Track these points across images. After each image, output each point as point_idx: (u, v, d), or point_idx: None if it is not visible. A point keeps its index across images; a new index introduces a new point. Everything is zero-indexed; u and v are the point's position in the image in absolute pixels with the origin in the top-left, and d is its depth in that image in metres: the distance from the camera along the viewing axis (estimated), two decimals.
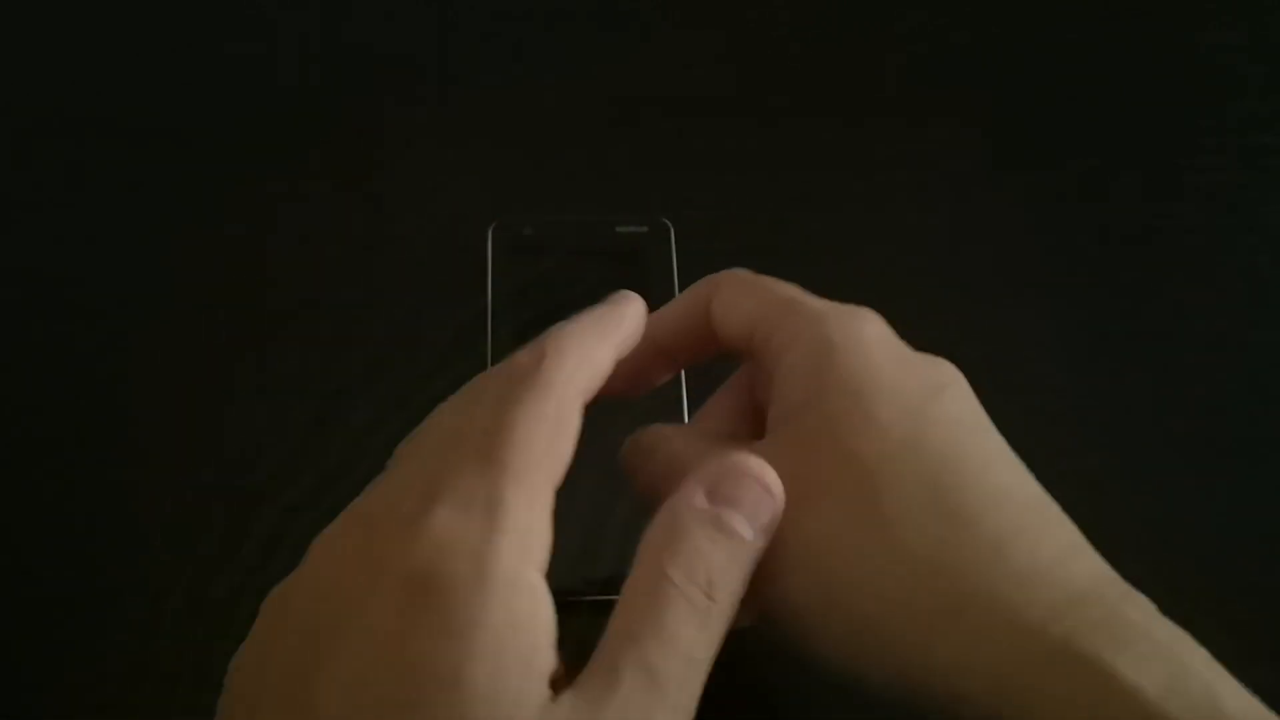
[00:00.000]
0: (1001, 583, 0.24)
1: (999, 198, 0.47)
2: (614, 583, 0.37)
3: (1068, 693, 0.23)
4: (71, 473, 0.39)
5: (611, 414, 0.39)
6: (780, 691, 0.36)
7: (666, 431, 0.31)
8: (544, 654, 0.22)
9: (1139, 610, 0.24)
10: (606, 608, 0.37)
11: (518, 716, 0.21)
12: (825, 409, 0.27)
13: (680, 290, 0.42)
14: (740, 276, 0.31)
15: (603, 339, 0.27)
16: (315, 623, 0.22)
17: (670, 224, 0.44)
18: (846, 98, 0.50)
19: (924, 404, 0.26)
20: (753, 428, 0.31)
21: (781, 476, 0.26)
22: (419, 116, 0.49)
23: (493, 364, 0.40)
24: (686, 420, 0.39)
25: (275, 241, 0.45)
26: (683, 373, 0.40)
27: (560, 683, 0.23)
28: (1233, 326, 0.44)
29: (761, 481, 0.25)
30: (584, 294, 0.42)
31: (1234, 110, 0.50)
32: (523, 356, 0.25)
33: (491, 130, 0.48)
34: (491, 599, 0.21)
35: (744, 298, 0.30)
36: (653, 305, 0.43)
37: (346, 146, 0.48)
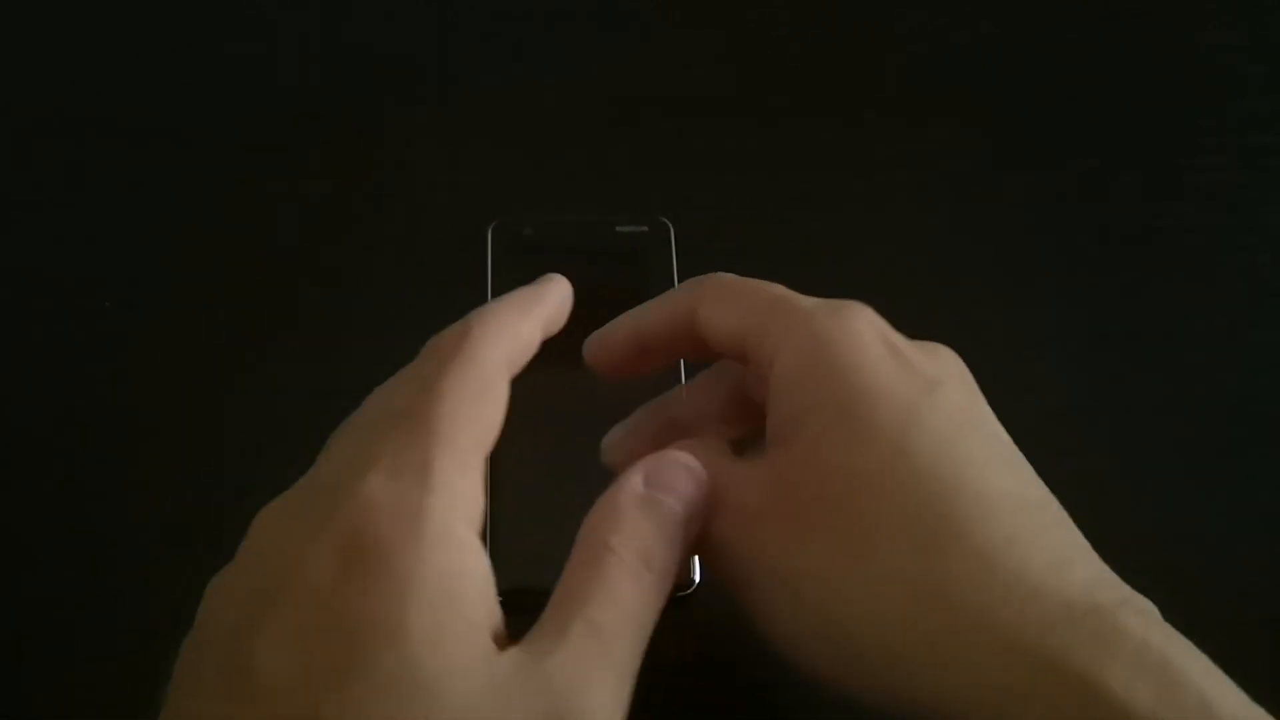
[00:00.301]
0: (991, 599, 0.24)
1: (999, 198, 0.47)
2: None
3: (1058, 711, 0.23)
4: (71, 473, 0.39)
5: (606, 414, 0.40)
6: (779, 692, 0.36)
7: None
8: (482, 606, 0.23)
9: (1135, 618, 0.24)
10: None
11: (462, 664, 0.22)
12: (813, 428, 0.27)
13: None
14: (724, 282, 0.30)
15: (524, 315, 0.28)
16: (253, 591, 0.23)
17: (670, 224, 0.44)
18: (846, 98, 0.50)
19: (915, 405, 0.26)
20: (742, 417, 0.31)
21: (775, 503, 0.27)
22: (419, 116, 0.49)
23: None
24: None
25: (275, 241, 0.45)
26: (682, 370, 0.40)
27: (504, 641, 0.23)
28: (1233, 326, 0.44)
29: (688, 469, 0.27)
30: (584, 294, 0.43)
31: (1234, 110, 0.50)
32: (448, 335, 0.26)
33: (491, 130, 0.48)
34: (425, 554, 0.22)
35: (730, 304, 0.30)
36: None
37: (346, 146, 0.48)
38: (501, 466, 0.38)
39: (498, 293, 0.42)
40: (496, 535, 0.37)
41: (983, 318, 0.43)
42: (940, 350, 0.29)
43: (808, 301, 0.29)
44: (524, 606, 0.37)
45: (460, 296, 0.42)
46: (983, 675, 0.24)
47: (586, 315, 0.42)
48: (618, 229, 0.44)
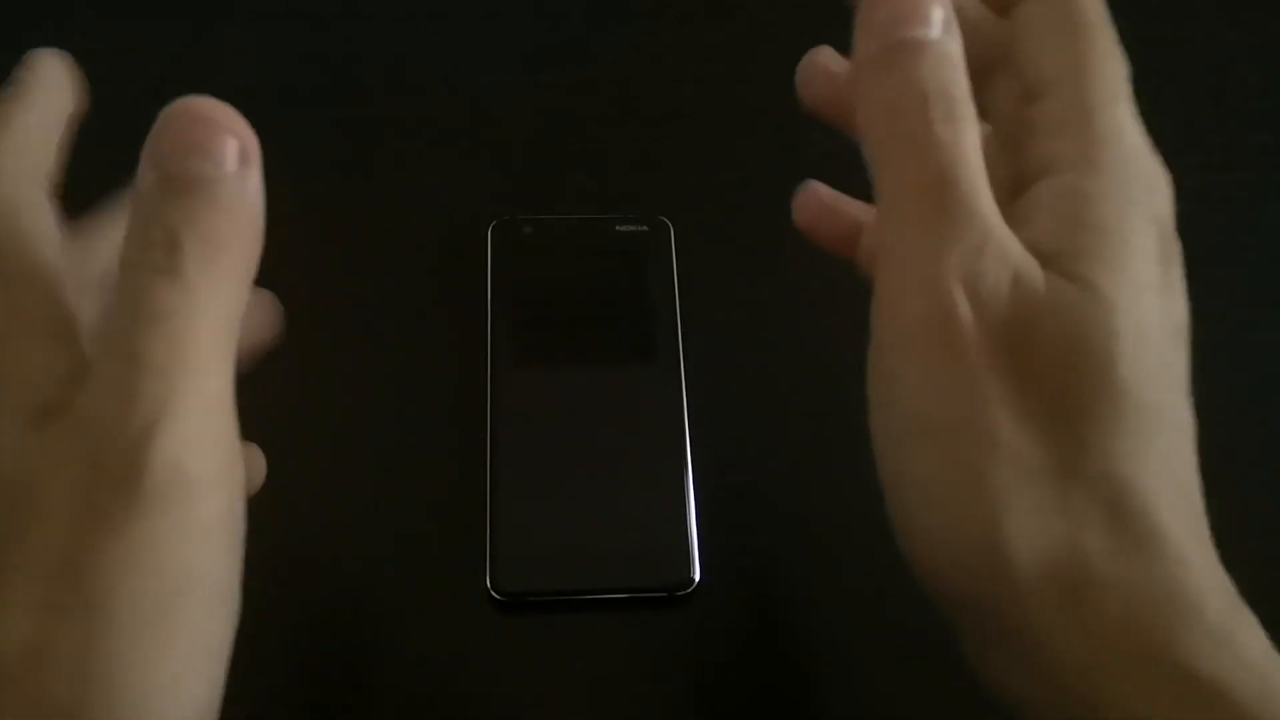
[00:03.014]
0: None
1: None
2: (600, 578, 0.37)
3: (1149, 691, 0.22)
4: None
5: (607, 415, 0.40)
6: (779, 692, 0.36)
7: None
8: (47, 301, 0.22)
9: (1249, 624, 0.24)
10: (591, 606, 0.38)
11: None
12: (1085, 304, 0.24)
13: (679, 290, 0.42)
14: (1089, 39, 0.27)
15: (45, 127, 0.26)
16: None
17: (670, 224, 0.44)
18: None
19: (1166, 351, 0.25)
20: None
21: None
22: (419, 116, 0.48)
23: (492, 365, 0.40)
24: (685, 397, 0.40)
25: (274, 242, 0.45)
26: (682, 370, 0.40)
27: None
28: (1233, 326, 0.44)
29: (212, 121, 0.22)
30: (584, 294, 0.43)
31: (1234, 110, 0.50)
32: None
33: (491, 130, 0.48)
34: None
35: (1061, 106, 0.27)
36: (653, 305, 0.43)
37: (346, 146, 0.47)
38: (502, 466, 0.38)
39: (498, 293, 0.42)
40: (496, 535, 0.37)
41: None
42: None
43: (1129, 145, 0.26)
44: (524, 607, 0.37)
45: (460, 296, 0.42)
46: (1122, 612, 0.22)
47: (587, 315, 0.42)
48: (618, 229, 0.44)
